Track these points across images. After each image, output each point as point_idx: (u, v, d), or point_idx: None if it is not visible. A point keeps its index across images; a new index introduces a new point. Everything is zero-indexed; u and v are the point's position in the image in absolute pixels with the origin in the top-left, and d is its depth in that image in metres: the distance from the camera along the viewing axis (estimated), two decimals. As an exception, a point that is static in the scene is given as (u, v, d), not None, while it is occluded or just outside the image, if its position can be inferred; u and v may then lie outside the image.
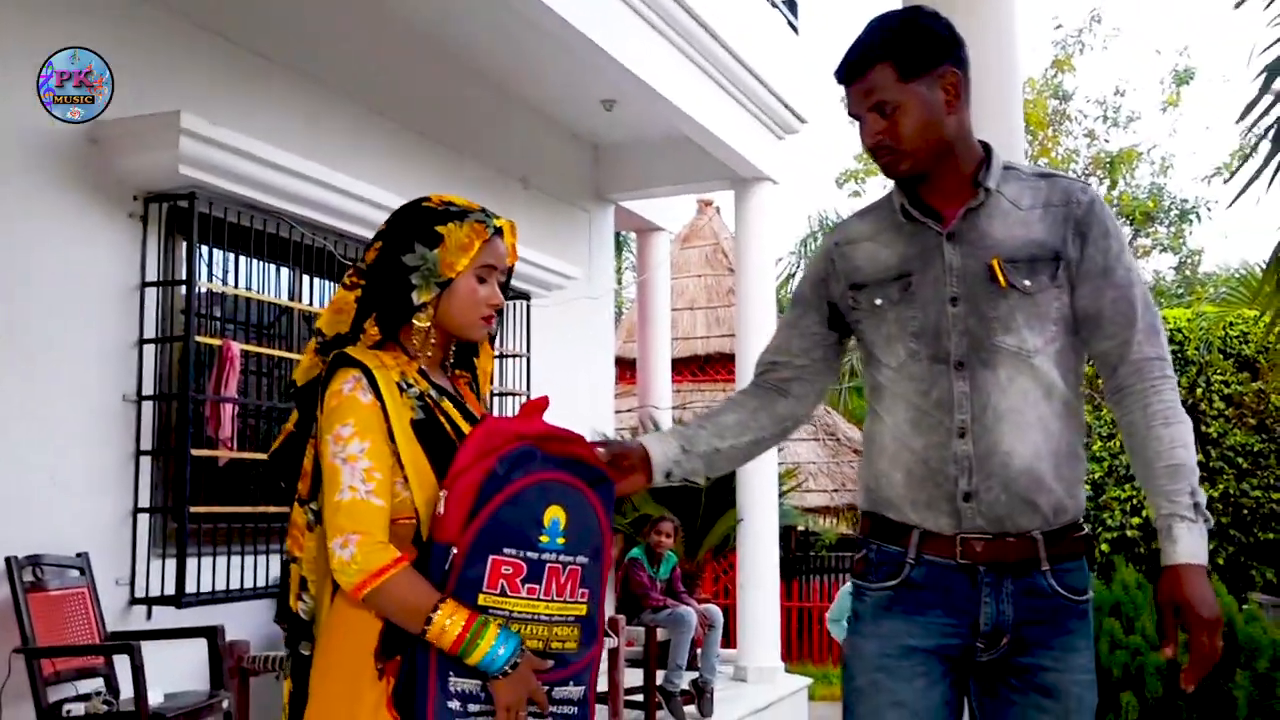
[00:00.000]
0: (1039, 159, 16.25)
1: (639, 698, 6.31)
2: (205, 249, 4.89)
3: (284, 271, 5.44)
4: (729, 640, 8.50)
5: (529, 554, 1.78)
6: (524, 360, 7.12)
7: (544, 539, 1.79)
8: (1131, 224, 15.47)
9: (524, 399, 7.08)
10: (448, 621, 1.74)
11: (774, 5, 8.35)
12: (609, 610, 6.81)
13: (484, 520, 1.77)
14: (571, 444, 1.89)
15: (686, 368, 13.03)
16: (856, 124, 2.00)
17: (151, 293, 4.74)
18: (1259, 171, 3.28)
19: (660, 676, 6.44)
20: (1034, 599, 1.92)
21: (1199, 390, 8.56)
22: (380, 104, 6.11)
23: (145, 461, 4.68)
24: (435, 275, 1.92)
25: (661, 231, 9.83)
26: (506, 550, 1.77)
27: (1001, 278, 1.91)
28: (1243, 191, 3.52)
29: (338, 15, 5.81)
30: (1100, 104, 16.57)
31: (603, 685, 5.87)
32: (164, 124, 4.39)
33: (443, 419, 1.92)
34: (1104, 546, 8.03)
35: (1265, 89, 3.29)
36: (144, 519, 4.66)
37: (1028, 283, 1.91)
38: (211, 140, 4.49)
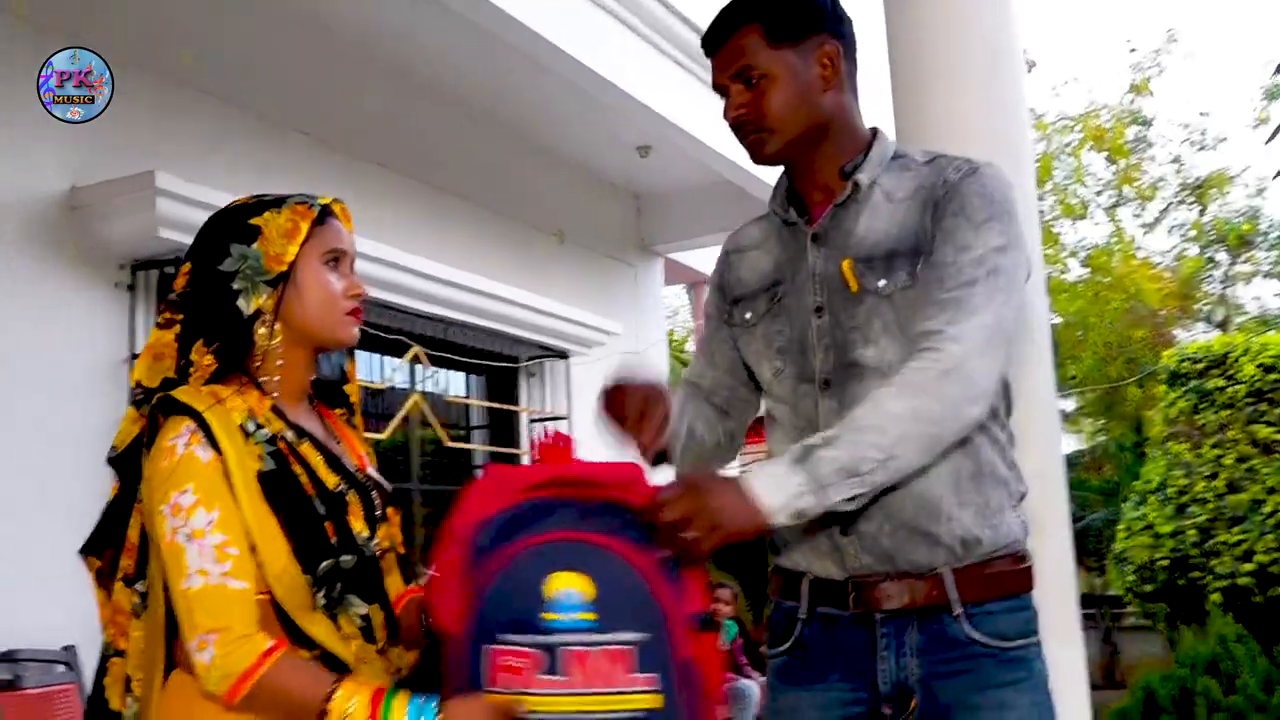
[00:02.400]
0: (1121, 187, 15.57)
1: (700, 782, 5.83)
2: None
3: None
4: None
5: (537, 638, 1.36)
6: (566, 423, 6.76)
7: (552, 616, 1.36)
8: (1227, 249, 14.68)
9: (567, 463, 6.71)
10: (349, 707, 1.39)
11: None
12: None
13: (474, 604, 1.39)
14: (609, 488, 1.44)
15: (752, 426, 12.49)
16: (722, 99, 1.71)
17: (141, 366, 4.50)
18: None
19: (722, 758, 5.95)
20: (945, 650, 1.57)
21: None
22: (384, 156, 5.85)
23: (138, 545, 4.40)
24: (261, 273, 1.58)
25: (718, 283, 9.46)
26: (505, 637, 1.37)
27: (852, 280, 1.62)
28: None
29: (331, 65, 5.59)
30: (1185, 127, 15.88)
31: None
32: (139, 185, 4.19)
33: (299, 468, 1.55)
34: (1215, 597, 7.32)
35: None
36: (138, 607, 4.36)
37: (882, 283, 1.61)
38: (190, 200, 4.24)
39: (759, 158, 1.71)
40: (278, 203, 1.64)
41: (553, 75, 5.81)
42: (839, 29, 1.71)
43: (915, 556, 1.58)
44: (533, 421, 6.81)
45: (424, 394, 5.97)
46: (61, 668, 4.07)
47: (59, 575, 4.11)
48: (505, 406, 6.61)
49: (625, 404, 1.60)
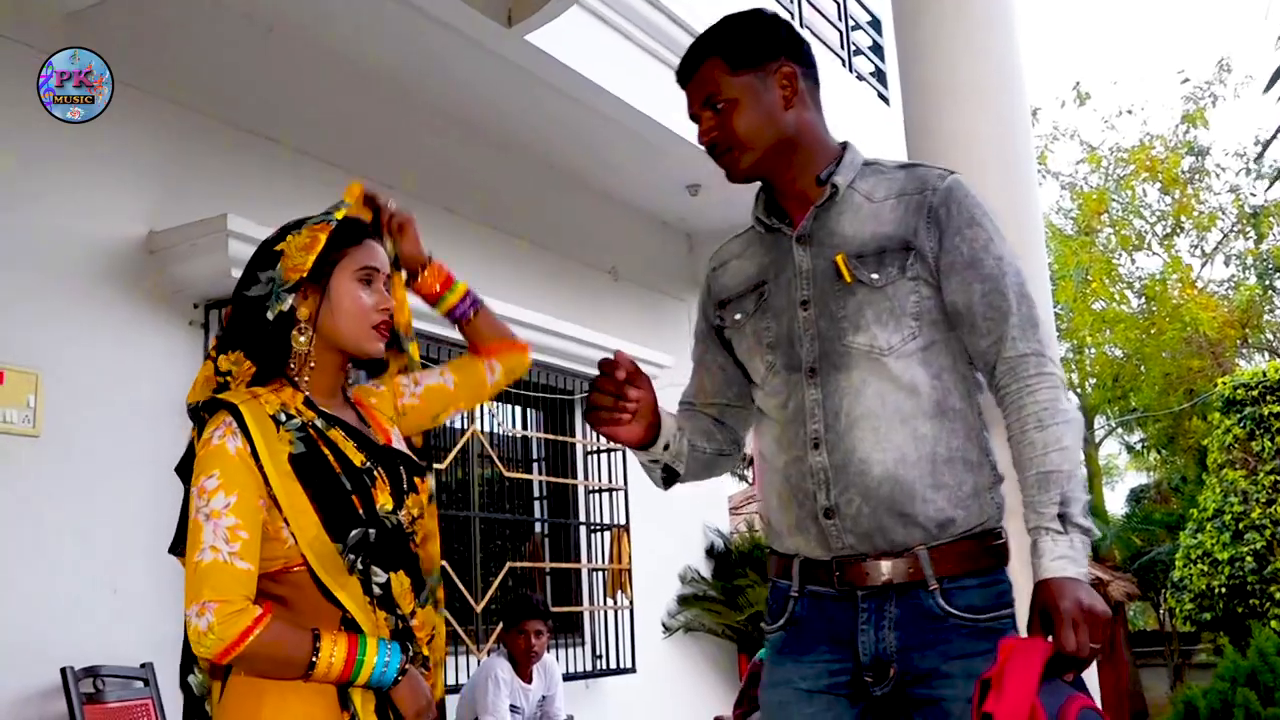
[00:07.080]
0: (1179, 217, 15.46)
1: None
2: (265, 352, 4.89)
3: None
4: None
5: None
6: (620, 454, 6.93)
7: None
8: (1285, 278, 14.56)
9: (621, 494, 6.88)
10: (331, 657, 1.65)
11: (861, 78, 8.17)
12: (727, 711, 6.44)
13: None
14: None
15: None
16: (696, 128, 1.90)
17: (214, 399, 4.74)
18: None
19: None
20: (921, 622, 1.71)
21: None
22: (446, 200, 6.08)
23: (211, 569, 4.62)
24: (282, 284, 1.77)
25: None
26: None
27: (846, 273, 1.79)
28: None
29: (395, 114, 5.87)
30: (1240, 156, 15.73)
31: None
32: (212, 228, 4.44)
33: (328, 451, 1.75)
34: (1275, 624, 7.28)
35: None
36: (211, 628, 4.57)
37: (875, 276, 1.78)
38: (261, 241, 4.50)
39: (734, 176, 1.88)
40: (298, 225, 1.84)
41: (606, 120, 6.04)
42: (795, 52, 1.87)
43: (893, 536, 1.72)
44: (588, 453, 6.99)
45: (483, 429, 6.18)
46: (140, 683, 4.29)
47: (138, 596, 4.39)
48: (561, 439, 6.79)
49: (627, 388, 1.80)
